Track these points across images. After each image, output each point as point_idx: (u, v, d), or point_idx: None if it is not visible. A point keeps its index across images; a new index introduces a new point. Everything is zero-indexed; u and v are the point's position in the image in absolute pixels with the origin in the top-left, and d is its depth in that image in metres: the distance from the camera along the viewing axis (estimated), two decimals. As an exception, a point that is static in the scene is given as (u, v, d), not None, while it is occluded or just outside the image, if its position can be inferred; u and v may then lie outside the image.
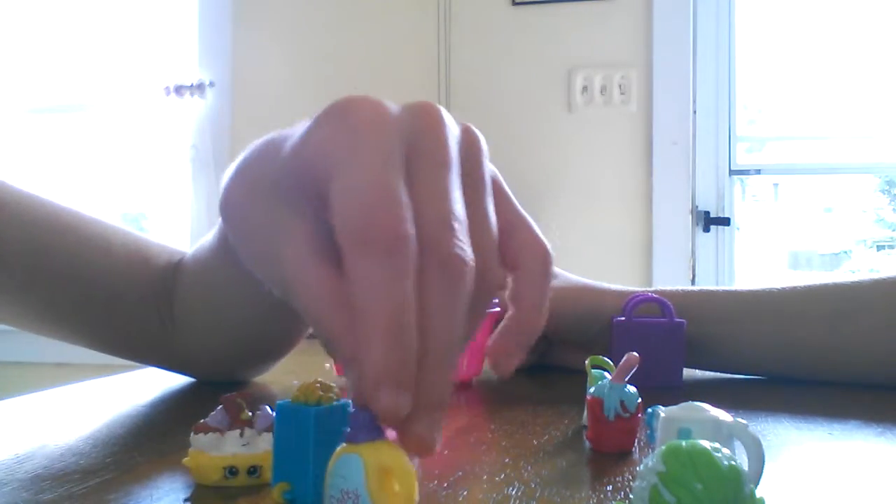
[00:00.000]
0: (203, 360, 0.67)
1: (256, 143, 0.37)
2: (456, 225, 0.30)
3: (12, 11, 2.82)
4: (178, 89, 2.60)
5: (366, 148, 0.30)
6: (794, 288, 0.70)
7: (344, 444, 0.29)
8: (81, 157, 2.78)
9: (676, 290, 0.72)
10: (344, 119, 0.31)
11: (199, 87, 2.59)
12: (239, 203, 0.35)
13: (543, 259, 0.34)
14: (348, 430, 0.29)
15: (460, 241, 0.30)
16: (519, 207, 0.35)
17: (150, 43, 2.75)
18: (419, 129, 0.32)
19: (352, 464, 0.28)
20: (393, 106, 0.33)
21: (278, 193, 0.33)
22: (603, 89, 2.33)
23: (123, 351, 0.68)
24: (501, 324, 0.34)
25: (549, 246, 0.35)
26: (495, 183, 0.35)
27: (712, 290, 0.73)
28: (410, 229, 0.29)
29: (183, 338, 0.65)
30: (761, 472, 0.35)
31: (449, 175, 0.31)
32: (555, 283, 0.72)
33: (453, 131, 0.33)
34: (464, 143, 0.33)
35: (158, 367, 0.70)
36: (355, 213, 0.29)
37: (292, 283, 0.31)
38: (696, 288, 0.74)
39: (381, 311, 0.28)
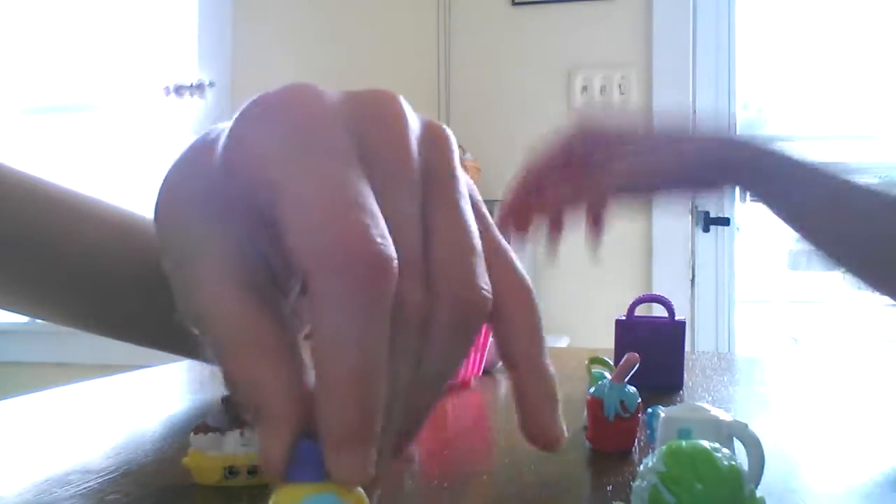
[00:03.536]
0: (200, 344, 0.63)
1: (190, 142, 0.30)
2: (407, 255, 0.24)
3: (12, 11, 2.82)
4: (178, 89, 2.60)
5: (313, 147, 0.24)
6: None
7: (300, 483, 0.24)
8: (81, 157, 2.78)
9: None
10: (277, 113, 0.25)
11: (199, 87, 2.59)
12: (166, 217, 0.28)
13: (528, 297, 0.28)
14: (296, 467, 0.24)
15: (413, 282, 0.25)
16: (498, 234, 0.28)
17: (150, 43, 2.75)
18: (370, 124, 0.26)
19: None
20: (334, 94, 0.26)
21: (208, 209, 0.27)
22: (603, 89, 2.33)
23: (119, 332, 0.64)
24: (517, 407, 0.28)
25: (531, 285, 0.28)
26: (472, 198, 0.28)
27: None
28: (392, 250, 0.23)
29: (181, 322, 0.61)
30: (761, 472, 0.35)
31: (406, 188, 0.26)
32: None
33: (413, 128, 0.27)
34: (428, 144, 0.27)
35: (159, 349, 0.67)
36: (320, 229, 0.23)
37: (203, 310, 0.26)
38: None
39: (356, 355, 0.23)
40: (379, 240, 0.23)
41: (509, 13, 2.39)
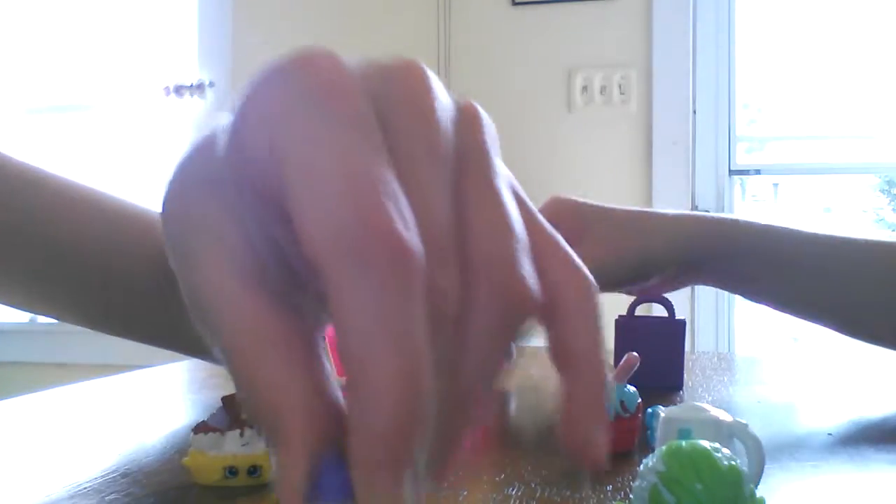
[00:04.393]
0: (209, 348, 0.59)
1: (203, 128, 0.26)
2: (439, 239, 0.21)
3: (12, 11, 2.82)
4: (178, 89, 2.60)
5: (328, 114, 0.21)
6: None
7: None
8: (81, 157, 2.78)
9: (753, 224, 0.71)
10: (288, 78, 0.22)
11: (199, 87, 2.59)
12: (171, 210, 0.25)
13: (588, 292, 0.24)
14: (318, 490, 0.20)
15: (444, 269, 0.21)
16: (544, 222, 0.24)
17: (150, 43, 2.75)
18: (395, 95, 0.23)
19: None
20: (354, 61, 0.23)
21: (216, 197, 0.23)
22: (603, 89, 2.33)
23: (119, 328, 0.60)
24: (560, 402, 0.24)
25: (589, 275, 0.24)
26: (512, 188, 0.24)
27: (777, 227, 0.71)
28: (416, 238, 0.20)
29: (189, 323, 0.57)
30: (761, 472, 0.35)
31: (434, 165, 0.22)
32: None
33: (443, 103, 0.24)
34: (461, 123, 0.24)
35: (161, 347, 0.62)
36: (336, 211, 0.20)
37: (209, 308, 0.22)
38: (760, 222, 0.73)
39: (397, 353, 0.19)
40: (400, 222, 0.20)
41: (509, 13, 2.39)
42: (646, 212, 0.71)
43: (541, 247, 0.23)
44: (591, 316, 0.23)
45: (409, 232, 0.20)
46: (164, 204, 0.25)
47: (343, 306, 0.19)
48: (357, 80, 0.22)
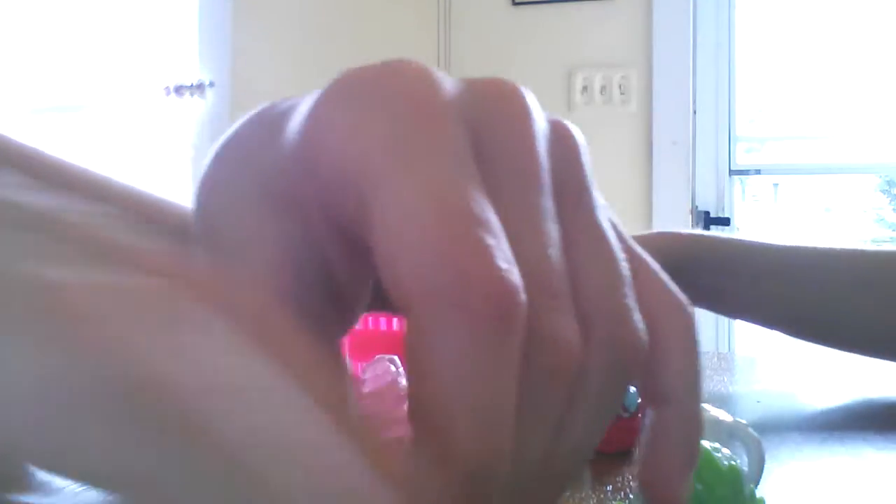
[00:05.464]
0: None
1: (248, 116, 0.23)
2: (555, 284, 0.19)
3: (12, 11, 2.83)
4: (178, 89, 2.60)
5: (421, 141, 0.19)
6: (815, 248, 0.69)
7: None
8: (81, 157, 2.77)
9: (707, 236, 0.71)
10: (376, 96, 0.20)
11: (199, 87, 2.59)
12: (207, 205, 0.22)
13: (689, 328, 0.22)
14: None
15: (561, 312, 0.19)
16: (641, 251, 0.23)
17: (150, 43, 2.75)
18: (491, 120, 0.20)
19: None
20: (447, 79, 0.21)
21: (264, 200, 0.21)
22: (603, 89, 2.33)
23: None
24: (645, 437, 0.23)
25: (689, 305, 0.23)
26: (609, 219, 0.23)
27: (740, 241, 0.71)
28: (518, 278, 0.18)
29: None
30: (761, 472, 0.35)
31: (540, 199, 0.20)
32: None
33: (541, 128, 0.22)
34: (556, 148, 0.22)
35: None
36: (431, 247, 0.17)
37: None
38: (723, 236, 0.73)
39: (474, 426, 0.17)
40: (504, 265, 0.18)
41: (509, 13, 2.39)
42: None
43: (640, 279, 0.22)
44: (692, 353, 0.22)
45: (513, 276, 0.18)
46: (196, 198, 0.23)
47: (427, 359, 0.17)
48: (452, 102, 0.20)
